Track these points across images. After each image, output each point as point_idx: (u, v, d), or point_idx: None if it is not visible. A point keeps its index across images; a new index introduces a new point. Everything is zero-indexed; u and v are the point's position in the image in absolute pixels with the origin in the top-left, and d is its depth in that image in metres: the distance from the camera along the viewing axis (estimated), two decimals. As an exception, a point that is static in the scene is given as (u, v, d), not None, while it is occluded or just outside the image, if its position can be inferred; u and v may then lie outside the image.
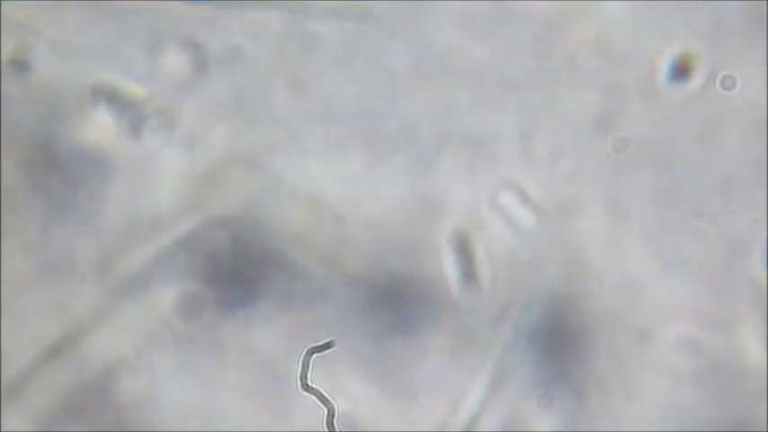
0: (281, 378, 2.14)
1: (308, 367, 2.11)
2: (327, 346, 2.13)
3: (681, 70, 2.17)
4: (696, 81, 2.18)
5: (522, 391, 2.17)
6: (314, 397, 2.10)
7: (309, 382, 2.11)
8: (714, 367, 2.16)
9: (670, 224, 2.18)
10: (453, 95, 2.17)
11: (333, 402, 2.10)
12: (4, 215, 2.17)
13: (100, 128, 2.18)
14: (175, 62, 2.18)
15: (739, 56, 2.17)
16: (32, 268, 2.18)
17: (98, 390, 2.17)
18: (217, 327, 2.18)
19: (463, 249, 2.13)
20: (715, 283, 2.18)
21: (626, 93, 2.17)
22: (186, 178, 2.18)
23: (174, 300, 2.17)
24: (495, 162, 2.18)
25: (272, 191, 2.18)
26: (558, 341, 2.17)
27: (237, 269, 2.17)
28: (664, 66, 2.18)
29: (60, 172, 2.17)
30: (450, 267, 2.16)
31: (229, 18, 2.18)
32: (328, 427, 2.09)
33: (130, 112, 2.18)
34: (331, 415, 2.09)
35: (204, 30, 2.18)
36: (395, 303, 2.17)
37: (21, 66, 2.18)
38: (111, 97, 2.18)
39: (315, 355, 2.12)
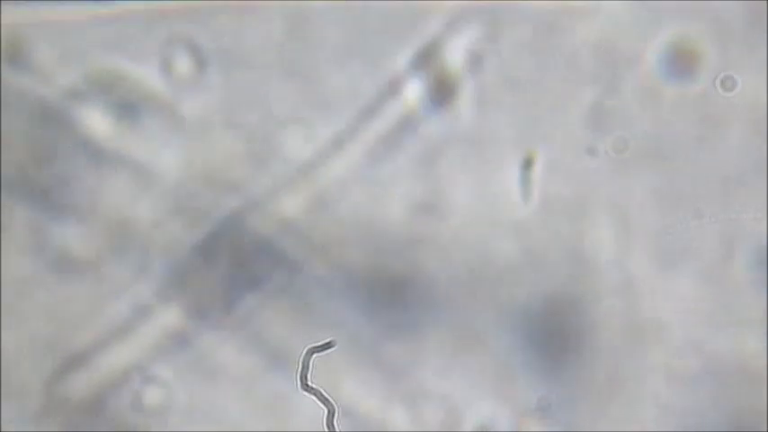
0: (282, 378, 2.14)
1: (308, 367, 2.11)
2: (327, 346, 2.13)
3: (681, 68, 2.17)
4: (696, 82, 2.18)
5: (522, 392, 2.16)
6: (314, 397, 2.10)
7: (309, 382, 2.11)
8: (714, 367, 2.16)
9: (670, 224, 2.18)
10: (453, 95, 2.17)
11: (333, 402, 2.09)
12: (4, 214, 2.17)
13: (98, 126, 2.18)
14: (176, 60, 2.18)
15: (740, 57, 2.17)
16: (31, 268, 2.18)
17: (96, 389, 2.17)
18: (216, 326, 2.17)
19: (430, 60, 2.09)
20: (715, 283, 2.17)
21: (626, 93, 2.17)
22: (185, 177, 2.18)
23: (173, 299, 2.17)
24: (495, 161, 2.18)
25: (272, 189, 2.18)
26: (559, 341, 2.17)
27: (237, 269, 2.17)
28: (664, 66, 2.18)
29: (59, 170, 2.17)
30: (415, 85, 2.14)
31: (230, 16, 2.18)
32: (328, 427, 2.09)
33: (130, 111, 2.18)
34: (331, 415, 2.09)
35: (205, 27, 2.18)
36: (395, 303, 2.17)
37: (20, 64, 2.18)
38: (111, 95, 2.18)
39: (315, 355, 2.12)
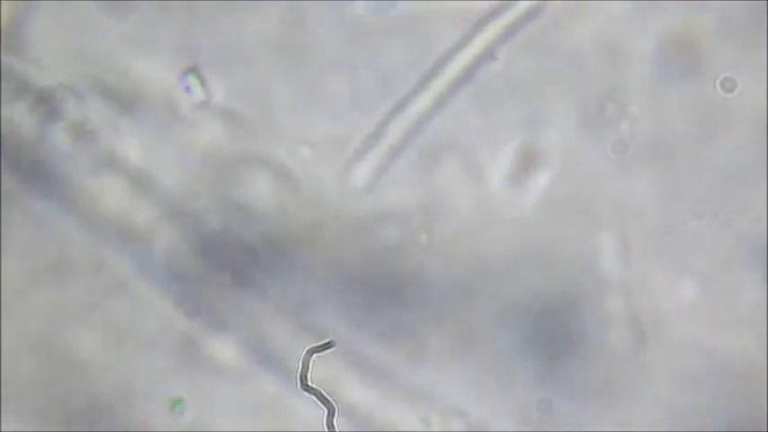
0: (282, 378, 2.14)
1: (308, 367, 2.11)
2: (327, 346, 2.13)
3: (681, 67, 2.18)
4: (697, 83, 2.18)
5: (522, 392, 2.16)
6: (314, 397, 2.10)
7: (309, 382, 2.11)
8: (715, 367, 2.16)
9: (670, 224, 2.18)
10: (453, 95, 2.18)
11: (333, 402, 2.09)
12: (4, 214, 2.18)
13: (96, 127, 2.18)
14: (175, 61, 2.19)
15: (740, 58, 2.17)
16: (30, 269, 2.18)
17: (95, 388, 2.17)
18: (215, 326, 2.18)
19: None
20: (715, 283, 2.18)
21: (626, 93, 2.17)
22: (185, 178, 2.18)
23: (171, 299, 2.17)
24: (495, 161, 2.18)
25: (272, 191, 2.18)
26: (560, 342, 2.17)
27: (237, 269, 2.17)
28: (664, 66, 2.18)
29: (56, 171, 2.18)
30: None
31: (229, 18, 2.19)
32: (328, 427, 2.09)
33: (128, 111, 2.19)
34: (331, 415, 2.09)
35: (204, 28, 2.19)
36: (395, 303, 2.17)
37: (17, 64, 2.19)
38: (108, 96, 2.19)
39: (315, 355, 2.12)
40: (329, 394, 2.10)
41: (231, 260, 2.17)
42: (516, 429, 2.17)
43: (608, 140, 2.18)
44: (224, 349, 2.17)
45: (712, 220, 2.17)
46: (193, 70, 2.17)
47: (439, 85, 2.17)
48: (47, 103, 2.17)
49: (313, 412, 2.10)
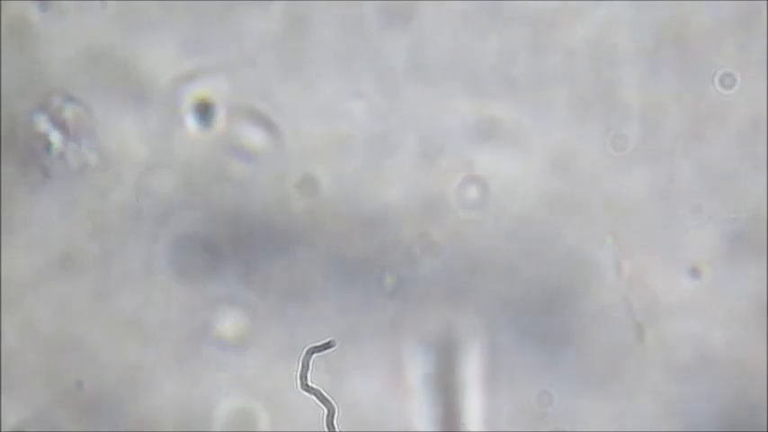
0: (281, 377, 2.15)
1: (308, 367, 2.11)
2: (327, 345, 2.13)
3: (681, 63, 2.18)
4: (695, 79, 2.18)
5: (521, 389, 2.17)
6: (314, 397, 2.11)
7: (309, 382, 2.11)
8: (714, 365, 2.17)
9: (669, 222, 2.18)
10: (453, 95, 2.17)
11: (333, 402, 2.10)
12: (5, 212, 2.17)
13: (101, 120, 2.18)
14: (176, 62, 2.18)
15: (739, 55, 2.17)
16: (34, 265, 2.18)
17: (96, 387, 2.18)
18: (216, 325, 2.18)
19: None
20: (713, 279, 2.18)
21: (626, 92, 2.17)
22: (187, 176, 2.18)
23: (172, 297, 2.18)
24: (494, 159, 2.18)
25: (273, 189, 2.18)
26: (558, 338, 2.17)
27: (237, 267, 2.17)
28: (661, 63, 2.18)
29: (62, 168, 2.17)
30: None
31: (230, 17, 2.18)
32: (328, 427, 2.09)
33: (130, 110, 2.18)
34: (331, 415, 2.09)
35: (205, 28, 2.18)
36: (395, 302, 2.17)
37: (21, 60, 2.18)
38: (111, 94, 2.18)
39: (315, 355, 2.12)
40: (329, 394, 2.11)
41: (234, 253, 2.17)
42: (516, 425, 2.18)
43: (607, 137, 2.17)
44: (221, 347, 2.18)
45: (711, 216, 2.17)
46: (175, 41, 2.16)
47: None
48: (50, 101, 2.16)
49: (313, 412, 2.11)
